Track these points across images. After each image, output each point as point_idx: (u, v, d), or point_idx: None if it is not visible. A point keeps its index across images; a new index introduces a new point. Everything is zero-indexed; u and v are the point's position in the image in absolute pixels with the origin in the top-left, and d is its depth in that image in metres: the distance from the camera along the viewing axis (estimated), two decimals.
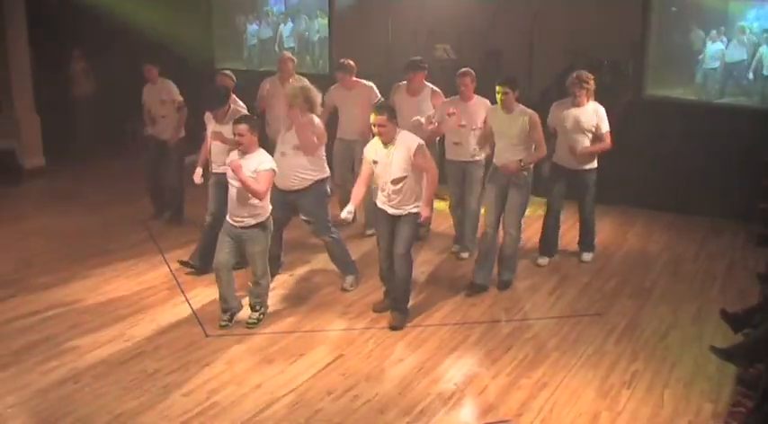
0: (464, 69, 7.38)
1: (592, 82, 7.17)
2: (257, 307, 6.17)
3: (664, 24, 8.73)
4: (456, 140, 7.32)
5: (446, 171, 7.44)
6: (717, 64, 8.08)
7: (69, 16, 10.96)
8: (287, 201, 6.58)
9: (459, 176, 7.47)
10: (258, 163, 5.85)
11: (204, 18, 12.13)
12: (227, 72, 8.05)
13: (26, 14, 10.38)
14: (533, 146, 6.64)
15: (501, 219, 6.83)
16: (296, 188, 6.54)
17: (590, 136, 7.20)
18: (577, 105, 7.17)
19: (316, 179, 6.59)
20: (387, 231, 6.25)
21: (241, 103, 7.26)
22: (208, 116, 6.99)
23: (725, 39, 8.09)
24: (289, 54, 8.40)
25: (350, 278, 6.88)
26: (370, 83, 7.95)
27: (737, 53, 8.03)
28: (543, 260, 7.53)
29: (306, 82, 7.20)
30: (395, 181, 5.99)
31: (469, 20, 10.12)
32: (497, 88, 6.57)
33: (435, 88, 7.68)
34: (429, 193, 6.05)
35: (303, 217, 6.74)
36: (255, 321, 6.12)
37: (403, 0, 10.66)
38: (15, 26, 10.31)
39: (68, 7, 10.99)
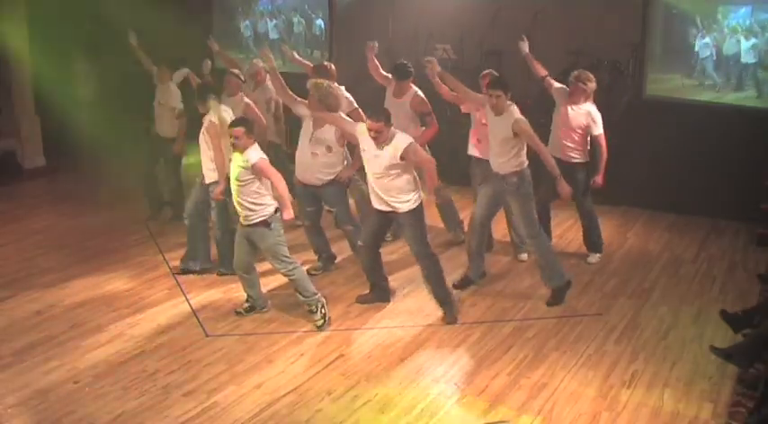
0: (486, 71, 7.43)
1: (591, 84, 7.13)
2: (312, 308, 6.15)
3: (666, 22, 9.48)
4: (479, 138, 7.24)
5: (468, 167, 7.53)
6: (708, 53, 9.18)
7: (70, 17, 10.94)
8: (310, 193, 6.87)
9: (479, 173, 7.28)
10: (252, 159, 5.92)
11: (205, 17, 12.16)
12: (236, 71, 8.01)
13: (26, 14, 10.37)
14: (514, 153, 6.38)
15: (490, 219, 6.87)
16: (319, 184, 6.77)
17: (576, 136, 7.16)
18: (572, 103, 7.17)
19: (336, 174, 6.82)
20: (377, 226, 6.34)
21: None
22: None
23: (715, 35, 9.11)
24: (260, 63, 8.32)
25: None
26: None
27: (731, 47, 9.04)
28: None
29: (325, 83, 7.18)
30: (378, 176, 6.04)
31: (469, 20, 10.12)
32: (490, 92, 6.44)
33: (420, 93, 7.50)
34: (431, 183, 6.04)
35: (327, 208, 6.98)
36: (322, 320, 6.11)
37: (404, 0, 10.66)
38: (16, 26, 10.30)
39: (69, 7, 10.99)
